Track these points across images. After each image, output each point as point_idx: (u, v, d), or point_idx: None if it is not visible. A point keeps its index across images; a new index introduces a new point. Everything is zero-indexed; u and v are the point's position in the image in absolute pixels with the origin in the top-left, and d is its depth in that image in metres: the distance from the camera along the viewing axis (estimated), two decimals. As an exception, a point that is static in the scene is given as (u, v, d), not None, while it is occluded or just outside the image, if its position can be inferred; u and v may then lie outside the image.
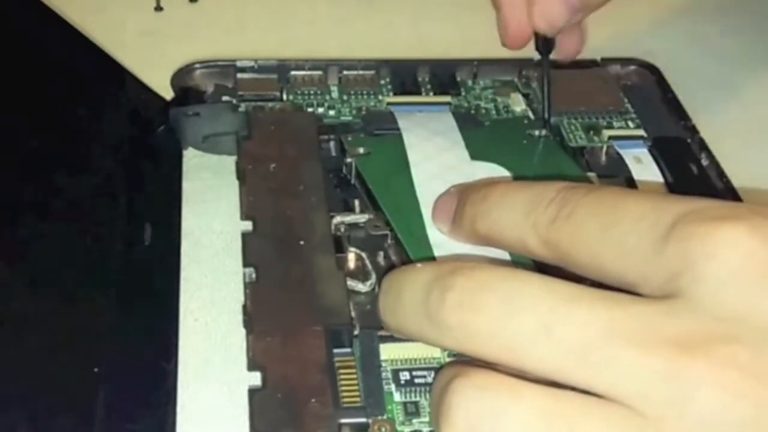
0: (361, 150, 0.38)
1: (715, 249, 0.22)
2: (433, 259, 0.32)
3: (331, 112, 0.41)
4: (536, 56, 0.43)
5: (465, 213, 0.30)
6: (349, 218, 0.35)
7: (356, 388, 0.29)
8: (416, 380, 0.30)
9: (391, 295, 0.28)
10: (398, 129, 0.39)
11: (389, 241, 0.34)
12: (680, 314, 0.22)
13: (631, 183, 0.38)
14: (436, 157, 0.37)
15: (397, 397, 0.29)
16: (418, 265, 0.27)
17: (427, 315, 0.25)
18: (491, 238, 0.29)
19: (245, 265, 0.32)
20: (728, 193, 0.37)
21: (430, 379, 0.29)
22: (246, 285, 0.32)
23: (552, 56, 0.41)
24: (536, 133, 0.40)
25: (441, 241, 0.33)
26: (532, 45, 0.41)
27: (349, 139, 0.38)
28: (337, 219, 0.35)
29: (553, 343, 0.23)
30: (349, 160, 0.37)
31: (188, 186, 0.38)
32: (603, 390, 0.22)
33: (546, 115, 0.40)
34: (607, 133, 0.40)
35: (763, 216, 0.23)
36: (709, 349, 0.22)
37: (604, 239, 0.25)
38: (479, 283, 0.25)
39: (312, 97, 0.42)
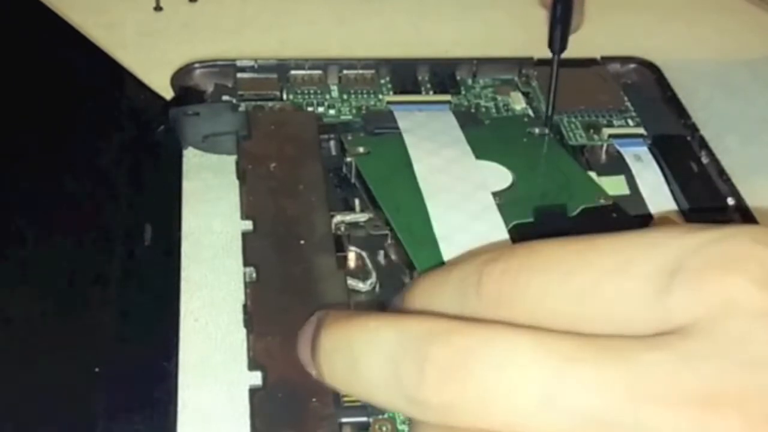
0: (361, 149, 0.38)
1: (727, 298, 0.20)
2: (436, 256, 0.32)
3: (331, 112, 0.41)
4: (536, 55, 0.43)
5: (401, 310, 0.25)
6: (350, 217, 0.35)
7: (357, 387, 0.29)
8: (417, 379, 0.29)
9: (341, 361, 0.23)
10: (398, 128, 0.39)
11: (389, 241, 0.34)
12: (702, 360, 0.20)
13: (631, 181, 0.38)
14: (438, 152, 0.37)
15: (398, 396, 0.29)
16: (370, 321, 0.22)
17: (401, 392, 0.21)
18: None
19: (245, 264, 0.32)
20: (728, 192, 0.37)
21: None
22: (246, 284, 0.32)
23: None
24: (536, 131, 0.40)
25: (446, 234, 0.33)
26: (530, 43, 0.41)
27: (349, 138, 0.38)
28: (338, 218, 0.35)
29: (561, 415, 0.20)
30: (349, 159, 0.37)
31: (188, 186, 0.38)
32: None
33: (549, 113, 0.40)
34: (607, 131, 0.40)
35: (763, 245, 0.21)
36: (743, 401, 0.20)
37: (584, 308, 0.22)
38: (460, 350, 0.21)
39: (312, 96, 0.42)
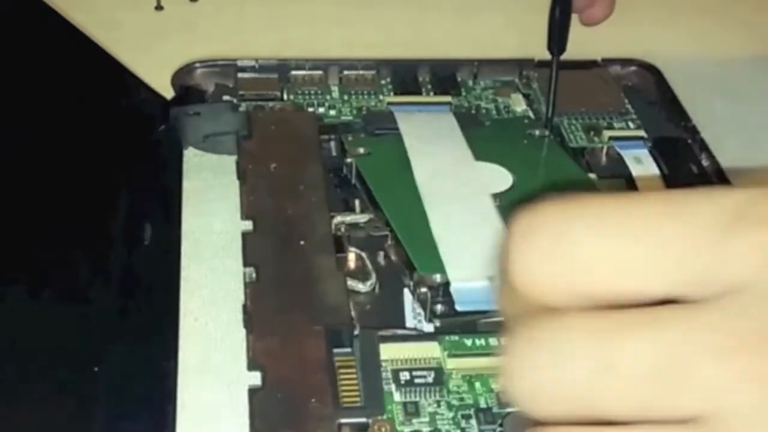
0: (362, 150, 0.38)
1: None
2: (436, 257, 0.32)
3: (332, 112, 0.41)
4: (537, 57, 0.43)
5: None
6: (350, 218, 0.35)
7: (356, 388, 0.29)
8: (416, 380, 0.30)
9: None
10: (399, 129, 0.39)
11: (389, 242, 0.34)
12: (753, 309, 0.21)
13: (631, 183, 0.38)
14: (438, 155, 0.37)
15: (397, 397, 0.29)
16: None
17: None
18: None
19: (245, 264, 0.32)
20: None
21: (430, 380, 0.29)
22: (246, 285, 0.32)
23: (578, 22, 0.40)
24: (537, 133, 0.40)
25: (446, 235, 0.33)
26: (531, 45, 0.41)
27: (350, 139, 0.38)
28: (338, 219, 0.35)
29: (621, 379, 0.21)
30: (349, 160, 0.37)
31: (188, 185, 0.38)
32: (689, 411, 0.20)
33: (549, 115, 0.40)
34: (607, 133, 0.40)
35: None
36: None
37: (633, 256, 0.22)
38: (524, 342, 0.22)
39: (312, 96, 0.42)
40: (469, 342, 0.31)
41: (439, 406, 0.29)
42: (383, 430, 0.28)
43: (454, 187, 0.35)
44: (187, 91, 0.41)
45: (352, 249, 0.34)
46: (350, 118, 0.41)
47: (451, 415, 0.29)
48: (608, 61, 0.45)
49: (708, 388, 0.21)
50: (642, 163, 0.39)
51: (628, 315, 0.22)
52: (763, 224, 0.21)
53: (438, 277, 0.31)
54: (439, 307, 0.32)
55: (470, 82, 0.44)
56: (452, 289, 0.31)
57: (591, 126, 0.41)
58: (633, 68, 0.45)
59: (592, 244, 0.22)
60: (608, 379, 0.21)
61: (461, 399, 0.29)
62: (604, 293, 0.22)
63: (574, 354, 0.21)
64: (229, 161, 0.38)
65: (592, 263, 0.22)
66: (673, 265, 0.22)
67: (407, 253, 0.33)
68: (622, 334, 0.21)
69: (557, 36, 0.40)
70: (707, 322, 0.21)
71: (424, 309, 0.32)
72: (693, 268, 0.22)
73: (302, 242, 0.33)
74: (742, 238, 0.21)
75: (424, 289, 0.32)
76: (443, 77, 0.44)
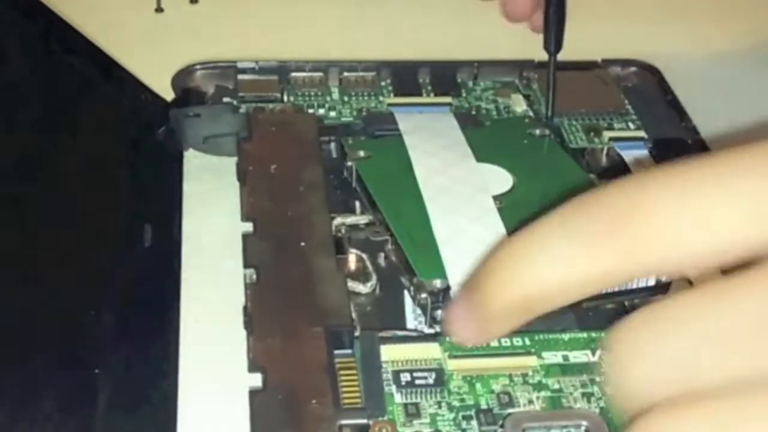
0: (362, 153, 0.38)
1: None
2: (436, 261, 0.32)
3: (332, 114, 0.41)
4: (537, 58, 0.43)
5: (482, 298, 0.24)
6: (350, 219, 0.35)
7: (357, 389, 0.29)
8: (417, 381, 0.30)
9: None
10: (399, 130, 0.39)
11: (390, 246, 0.34)
12: None
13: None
14: (438, 154, 0.37)
15: (398, 398, 0.29)
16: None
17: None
18: (534, 297, 0.23)
19: (246, 266, 0.32)
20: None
21: (430, 381, 0.29)
22: (246, 286, 0.32)
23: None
24: (537, 132, 0.39)
25: (446, 238, 0.33)
26: (531, 46, 0.41)
27: (350, 142, 0.38)
28: (338, 220, 0.35)
29: (722, 344, 0.21)
30: (349, 163, 0.37)
31: (189, 187, 0.38)
32: None
33: (549, 113, 0.40)
34: (607, 134, 0.40)
35: None
36: None
37: (718, 212, 0.22)
38: (629, 331, 0.22)
39: (313, 98, 0.42)
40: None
41: (439, 407, 0.29)
42: (384, 431, 0.28)
43: (455, 187, 0.35)
44: (187, 92, 0.41)
45: (353, 250, 0.34)
46: (350, 119, 0.41)
47: (452, 416, 0.29)
48: (608, 62, 0.45)
49: None
50: (642, 164, 0.39)
51: (728, 282, 0.21)
52: None
53: (438, 283, 0.31)
54: (439, 313, 0.31)
55: (470, 83, 0.44)
56: (452, 293, 0.31)
57: (591, 127, 0.41)
58: (633, 69, 0.45)
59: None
60: (716, 341, 0.20)
61: (462, 400, 0.29)
62: None
63: (677, 327, 0.21)
64: (229, 163, 0.38)
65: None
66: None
67: (407, 258, 0.33)
68: (721, 300, 0.21)
69: (553, 34, 0.40)
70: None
71: (425, 314, 0.32)
72: None
73: (303, 244, 0.33)
74: None
75: (424, 295, 0.31)
76: (443, 78, 0.44)
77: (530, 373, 0.30)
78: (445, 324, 0.26)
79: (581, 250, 0.22)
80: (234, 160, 0.38)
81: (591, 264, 0.22)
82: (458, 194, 0.35)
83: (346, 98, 0.42)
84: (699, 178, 0.22)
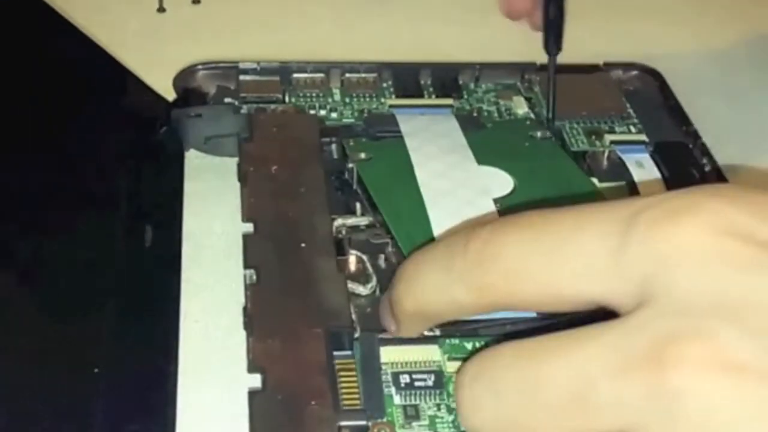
0: (363, 155, 0.38)
1: (679, 245, 0.21)
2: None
3: (333, 115, 0.41)
4: (539, 60, 0.43)
5: (392, 301, 0.28)
6: (351, 221, 0.35)
7: (356, 390, 0.29)
8: (416, 383, 0.30)
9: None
10: (400, 132, 0.39)
11: (390, 248, 0.34)
12: (651, 322, 0.21)
13: (633, 187, 0.38)
14: (440, 157, 0.37)
15: (397, 400, 0.29)
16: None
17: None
18: (424, 311, 0.27)
19: (246, 266, 0.32)
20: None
21: (430, 383, 0.29)
22: (247, 287, 0.32)
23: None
24: (538, 134, 0.39)
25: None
26: (533, 48, 0.41)
27: (351, 143, 0.38)
28: (339, 221, 0.35)
29: (546, 404, 0.22)
30: (350, 165, 0.37)
31: (190, 187, 0.38)
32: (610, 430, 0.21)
33: (550, 116, 0.40)
34: (608, 137, 0.40)
35: (717, 197, 0.22)
36: (684, 351, 0.20)
37: (552, 266, 0.23)
38: (466, 380, 0.24)
39: (314, 99, 0.42)
40: (469, 345, 0.31)
41: (439, 409, 0.29)
42: (383, 433, 0.28)
43: (455, 190, 0.35)
44: (188, 93, 0.41)
45: (353, 251, 0.34)
46: (352, 120, 0.41)
47: (451, 418, 0.29)
48: (610, 66, 0.45)
49: (616, 408, 0.21)
50: (643, 167, 0.39)
51: (550, 338, 0.23)
52: (650, 231, 0.22)
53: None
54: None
55: (472, 85, 0.44)
56: None
57: (592, 130, 0.41)
58: (635, 72, 0.45)
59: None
60: (536, 405, 0.22)
61: (461, 402, 0.29)
62: None
63: (505, 382, 0.23)
64: (231, 163, 0.38)
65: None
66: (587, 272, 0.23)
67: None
68: (540, 358, 0.22)
69: (553, 35, 0.40)
70: (607, 341, 0.22)
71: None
72: (604, 275, 0.22)
73: (303, 244, 0.33)
74: (634, 246, 0.22)
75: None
76: (445, 80, 0.44)
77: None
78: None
79: (448, 280, 0.25)
80: (235, 160, 0.38)
81: (458, 294, 0.25)
82: (459, 197, 0.35)
83: (347, 99, 0.42)
84: (546, 231, 0.24)
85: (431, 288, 0.26)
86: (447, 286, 0.25)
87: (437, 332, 0.31)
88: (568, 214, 0.24)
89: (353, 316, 0.31)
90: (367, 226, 0.35)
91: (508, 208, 0.35)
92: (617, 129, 0.41)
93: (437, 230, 0.33)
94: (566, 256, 0.23)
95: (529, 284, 0.24)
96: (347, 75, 0.43)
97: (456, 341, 0.31)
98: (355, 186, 0.37)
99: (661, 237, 0.21)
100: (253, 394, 0.28)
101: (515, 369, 0.23)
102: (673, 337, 0.20)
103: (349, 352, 0.30)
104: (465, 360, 0.29)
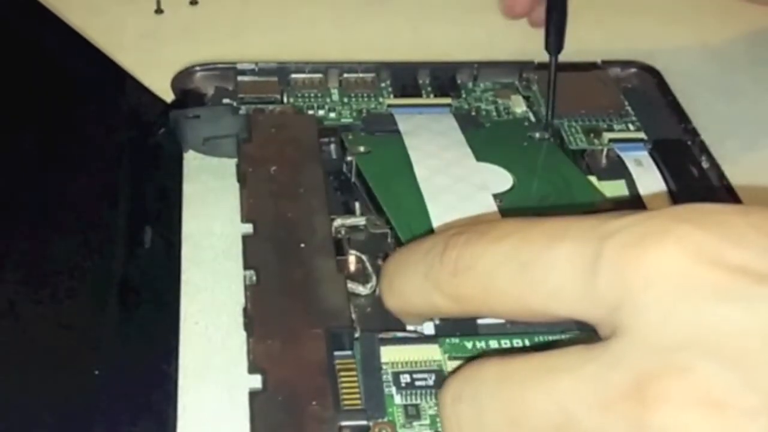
0: (362, 148, 0.38)
1: (646, 275, 0.21)
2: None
3: (332, 115, 0.41)
4: (537, 59, 0.43)
5: (381, 297, 0.30)
6: (350, 221, 0.35)
7: (357, 390, 0.29)
8: (417, 383, 0.29)
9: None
10: (399, 131, 0.39)
11: (389, 241, 0.34)
12: (629, 356, 0.21)
13: (632, 186, 0.38)
14: (438, 154, 0.37)
15: (398, 399, 0.29)
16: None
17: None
18: (404, 310, 0.29)
19: (246, 267, 0.32)
20: (728, 195, 0.37)
21: (430, 382, 0.29)
22: (246, 287, 0.32)
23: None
24: (537, 135, 0.40)
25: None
26: (531, 47, 0.41)
27: (350, 137, 0.38)
28: (338, 222, 0.35)
29: None
30: (349, 158, 0.37)
31: (189, 189, 0.38)
32: None
33: (549, 117, 0.40)
34: (607, 135, 0.40)
35: (685, 222, 0.22)
36: (664, 388, 0.20)
37: (523, 282, 0.23)
38: (449, 398, 0.25)
39: (312, 99, 0.42)
40: (469, 344, 0.31)
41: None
42: (384, 432, 0.28)
43: (454, 187, 0.35)
44: (186, 94, 0.41)
45: (353, 252, 0.34)
46: (350, 120, 0.41)
47: (451, 417, 0.29)
48: (608, 63, 0.45)
49: None
50: (642, 165, 0.39)
51: (533, 360, 0.23)
52: (618, 258, 0.22)
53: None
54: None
55: (470, 84, 0.44)
56: None
57: (591, 128, 0.41)
58: (633, 70, 0.45)
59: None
60: (518, 431, 0.22)
61: (462, 401, 0.29)
62: None
63: (487, 404, 0.23)
64: (229, 164, 0.38)
65: None
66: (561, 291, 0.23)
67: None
68: (523, 384, 0.22)
69: (554, 35, 0.40)
70: (588, 374, 0.22)
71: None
72: (574, 298, 0.23)
73: (302, 245, 0.33)
74: (603, 271, 0.22)
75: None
76: (443, 79, 0.44)
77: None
78: None
79: (426, 285, 0.26)
80: (234, 161, 0.38)
81: (436, 300, 0.26)
82: (459, 192, 0.35)
83: (345, 99, 0.42)
84: (518, 245, 0.24)
85: (410, 291, 0.27)
86: (425, 291, 0.26)
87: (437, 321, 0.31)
88: (542, 228, 0.24)
89: (353, 316, 0.31)
90: (366, 221, 0.35)
91: (505, 209, 0.35)
92: (616, 127, 0.41)
93: (437, 224, 0.33)
94: (537, 273, 0.23)
95: (501, 298, 0.24)
96: (345, 75, 0.43)
97: (456, 341, 0.31)
98: (353, 179, 0.37)
99: (630, 264, 0.22)
100: (253, 395, 0.28)
101: (498, 391, 0.23)
102: (652, 374, 0.21)
103: (349, 352, 0.30)
104: (464, 360, 0.29)
